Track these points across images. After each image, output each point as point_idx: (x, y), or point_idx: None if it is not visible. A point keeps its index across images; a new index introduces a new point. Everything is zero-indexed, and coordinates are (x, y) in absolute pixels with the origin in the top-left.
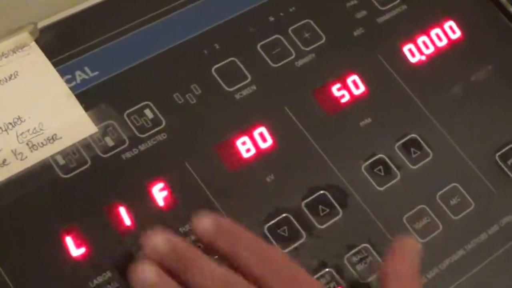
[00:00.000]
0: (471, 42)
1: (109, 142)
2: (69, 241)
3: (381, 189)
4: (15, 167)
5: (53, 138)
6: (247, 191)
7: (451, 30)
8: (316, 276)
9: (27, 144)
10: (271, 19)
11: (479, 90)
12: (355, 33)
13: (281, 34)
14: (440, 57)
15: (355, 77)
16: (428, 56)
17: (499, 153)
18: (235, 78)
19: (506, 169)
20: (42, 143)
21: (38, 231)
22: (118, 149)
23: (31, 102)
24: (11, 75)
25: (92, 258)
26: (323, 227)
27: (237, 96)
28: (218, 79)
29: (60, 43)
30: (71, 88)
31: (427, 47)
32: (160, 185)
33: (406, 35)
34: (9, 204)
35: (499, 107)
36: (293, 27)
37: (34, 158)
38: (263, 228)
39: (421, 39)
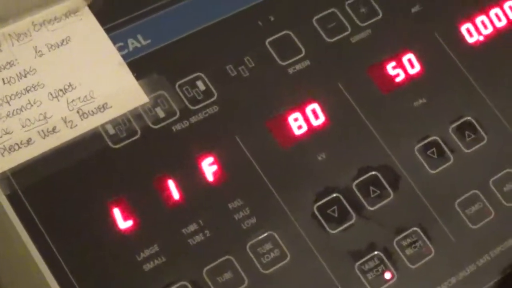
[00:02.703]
0: None
1: (160, 113)
2: (117, 212)
3: (434, 172)
4: (65, 135)
5: (103, 107)
6: (298, 169)
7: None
8: (364, 259)
9: (78, 112)
10: None
11: None
12: (413, 10)
13: (337, 8)
14: (499, 38)
15: (410, 55)
16: (486, 36)
17: None
18: (289, 52)
19: None
20: (92, 111)
21: (86, 201)
22: (169, 121)
23: (82, 69)
24: (63, 40)
25: (140, 231)
26: (373, 208)
27: (291, 71)
28: (272, 52)
29: (114, 10)
30: (123, 56)
31: (485, 27)
32: (210, 159)
33: (465, 14)
34: (58, 172)
35: None
36: (350, 1)
37: (84, 126)
38: (313, 208)
39: (480, 18)
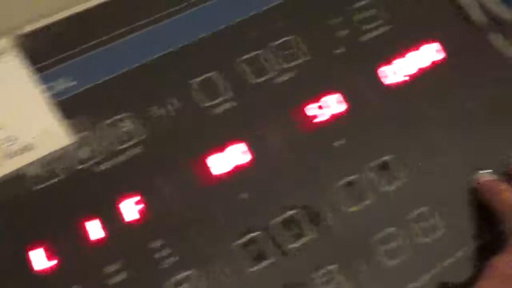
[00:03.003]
0: (452, 64)
1: (84, 153)
2: (39, 253)
3: (353, 210)
4: None
5: (27, 148)
6: (220, 208)
7: (432, 51)
8: None
9: (1, 152)
10: (253, 34)
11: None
12: (336, 52)
13: (262, 50)
14: (420, 79)
15: (334, 96)
16: (408, 77)
17: (473, 178)
18: (214, 92)
19: (477, 194)
20: (16, 152)
21: (9, 242)
22: (93, 161)
23: (8, 109)
24: None
25: (62, 271)
26: (293, 246)
27: (215, 111)
28: (198, 93)
29: (42, 51)
30: (50, 97)
31: (407, 68)
32: (133, 199)
33: (387, 55)
34: None
35: (478, 132)
36: (275, 43)
37: (7, 167)
38: (235, 246)
39: (402, 60)
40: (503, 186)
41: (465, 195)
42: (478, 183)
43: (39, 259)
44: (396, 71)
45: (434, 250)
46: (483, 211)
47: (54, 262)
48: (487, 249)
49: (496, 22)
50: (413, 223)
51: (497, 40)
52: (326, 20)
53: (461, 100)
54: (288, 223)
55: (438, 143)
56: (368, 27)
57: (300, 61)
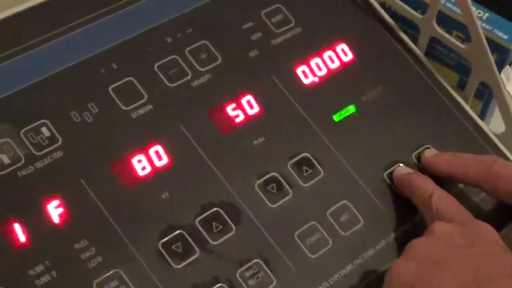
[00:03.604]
0: (362, 64)
1: (5, 159)
2: None
3: (274, 206)
4: None
5: None
6: (142, 208)
7: (343, 52)
8: None
9: None
10: (169, 40)
11: (369, 111)
12: (250, 54)
13: (178, 54)
14: (332, 79)
15: (249, 97)
16: (321, 77)
17: (387, 171)
18: (131, 97)
19: (393, 187)
20: None
21: None
22: (14, 167)
23: None
24: None
25: None
26: (216, 243)
27: (134, 115)
28: (115, 98)
29: None
30: None
31: (320, 69)
32: (56, 202)
33: (299, 57)
34: None
35: (388, 127)
36: (190, 48)
37: None
38: (158, 244)
39: (314, 61)
40: (417, 177)
41: (382, 188)
42: (395, 175)
43: None
44: (310, 71)
45: (355, 242)
46: (402, 201)
47: None
48: (408, 237)
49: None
50: (333, 217)
51: (404, 39)
52: (238, 25)
53: (372, 95)
54: (210, 220)
55: (353, 138)
56: (279, 30)
57: (214, 64)
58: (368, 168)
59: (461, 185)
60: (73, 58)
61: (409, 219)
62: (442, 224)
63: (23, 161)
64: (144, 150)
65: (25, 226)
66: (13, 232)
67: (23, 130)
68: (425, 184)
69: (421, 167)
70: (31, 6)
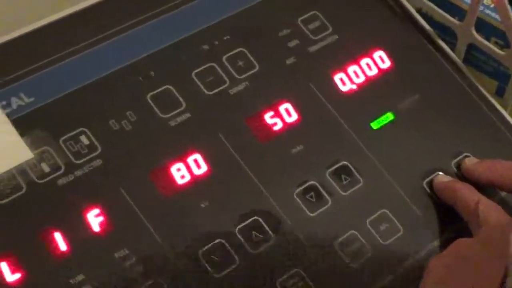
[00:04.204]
0: (400, 71)
1: (45, 167)
2: (4, 266)
3: (313, 214)
4: None
5: None
6: (182, 217)
7: (381, 59)
8: None
9: None
10: (206, 47)
11: (407, 118)
12: (288, 62)
13: (215, 62)
14: (370, 86)
15: (287, 105)
16: (358, 84)
17: (426, 179)
18: (170, 105)
19: (433, 196)
20: None
21: None
22: (54, 175)
23: None
24: None
25: (28, 284)
26: (256, 252)
27: (172, 123)
28: (153, 106)
29: None
30: (7, 114)
31: (357, 76)
32: (96, 211)
33: (337, 64)
34: None
35: (427, 135)
36: (227, 55)
37: None
38: (198, 253)
39: (352, 68)
40: (460, 185)
41: (421, 196)
42: (437, 183)
43: (4, 272)
44: (347, 78)
45: (395, 251)
46: (441, 210)
47: (19, 275)
48: (448, 245)
49: (441, 29)
50: (373, 225)
51: (442, 46)
52: (275, 32)
53: (410, 103)
54: (250, 229)
55: (391, 146)
56: (316, 37)
57: (252, 72)
58: (407, 176)
59: (502, 193)
60: (111, 66)
61: (449, 228)
62: (489, 229)
63: (62, 170)
64: (182, 158)
65: (65, 235)
66: (54, 240)
67: (63, 138)
68: (470, 193)
69: (461, 175)
70: (68, 14)
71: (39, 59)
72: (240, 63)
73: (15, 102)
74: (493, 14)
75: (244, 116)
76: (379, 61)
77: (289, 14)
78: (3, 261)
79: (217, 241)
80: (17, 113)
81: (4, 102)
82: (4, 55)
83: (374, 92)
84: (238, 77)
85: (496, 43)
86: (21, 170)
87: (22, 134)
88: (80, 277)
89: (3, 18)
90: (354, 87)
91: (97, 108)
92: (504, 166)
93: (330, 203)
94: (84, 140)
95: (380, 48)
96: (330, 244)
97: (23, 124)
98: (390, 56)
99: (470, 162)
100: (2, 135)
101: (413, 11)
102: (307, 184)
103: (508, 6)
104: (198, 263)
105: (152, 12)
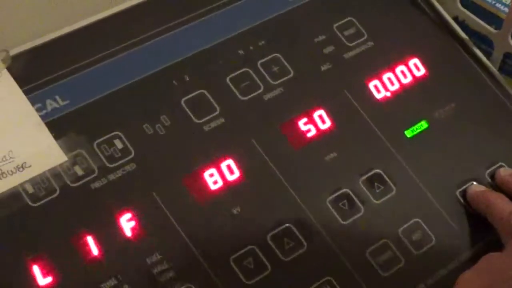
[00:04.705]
0: (435, 79)
1: (78, 171)
2: (36, 269)
3: (345, 222)
4: None
5: (22, 166)
6: (214, 223)
7: (416, 67)
8: None
9: None
10: (241, 52)
11: (441, 127)
12: (323, 68)
13: (250, 67)
14: (404, 94)
15: (321, 111)
16: (393, 92)
17: (460, 189)
18: (204, 110)
19: (466, 206)
20: (11, 171)
21: (6, 259)
22: (87, 179)
23: (1, 129)
24: None
25: (60, 287)
26: (287, 259)
27: (206, 128)
28: (187, 110)
29: (32, 72)
30: (42, 117)
31: (392, 83)
32: (128, 215)
33: (372, 71)
34: None
35: (461, 144)
36: (262, 60)
37: (3, 186)
38: (229, 260)
39: (387, 75)
40: (494, 195)
41: (454, 206)
42: (470, 193)
43: (36, 276)
44: (382, 86)
45: (427, 261)
46: (474, 220)
47: (50, 279)
48: (480, 256)
49: (477, 37)
50: (405, 235)
51: (478, 54)
52: (310, 38)
53: (445, 111)
54: (282, 236)
55: (425, 155)
56: (352, 44)
57: (286, 77)
58: (441, 186)
59: None
60: (146, 70)
61: (482, 239)
62: None
63: (96, 173)
64: (216, 164)
65: (97, 239)
66: (86, 244)
67: (97, 141)
68: (504, 203)
69: (495, 185)
70: (103, 18)
71: (74, 62)
72: (275, 68)
73: (50, 104)
74: None
75: (278, 122)
76: (414, 69)
77: (324, 20)
78: (35, 264)
79: (248, 247)
80: (52, 116)
81: (39, 105)
82: (39, 58)
83: (408, 100)
84: (273, 82)
85: None
86: (55, 173)
87: (56, 137)
88: (111, 282)
89: (33, 23)
90: (389, 94)
91: (131, 111)
92: None
93: (362, 211)
94: (118, 144)
95: (415, 56)
96: (362, 252)
97: (58, 127)
98: (425, 64)
99: (505, 172)
100: (36, 137)
101: (449, 19)
102: (340, 192)
103: None
104: (229, 270)
105: (187, 16)
